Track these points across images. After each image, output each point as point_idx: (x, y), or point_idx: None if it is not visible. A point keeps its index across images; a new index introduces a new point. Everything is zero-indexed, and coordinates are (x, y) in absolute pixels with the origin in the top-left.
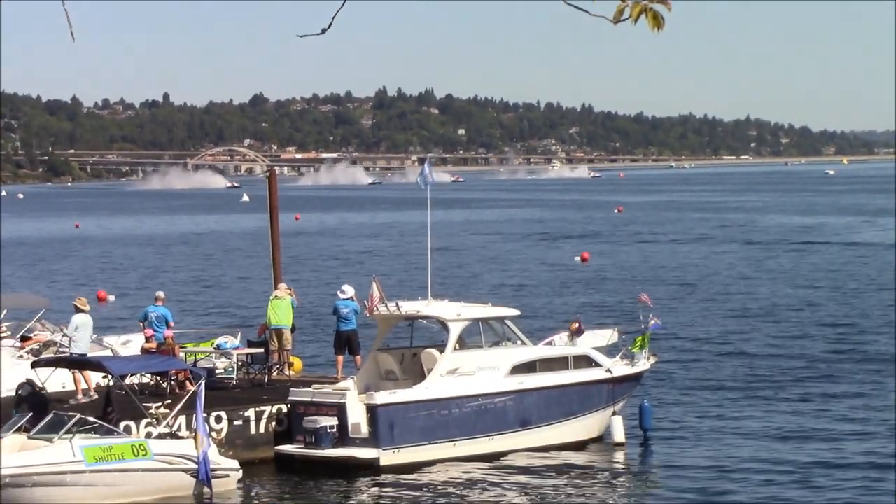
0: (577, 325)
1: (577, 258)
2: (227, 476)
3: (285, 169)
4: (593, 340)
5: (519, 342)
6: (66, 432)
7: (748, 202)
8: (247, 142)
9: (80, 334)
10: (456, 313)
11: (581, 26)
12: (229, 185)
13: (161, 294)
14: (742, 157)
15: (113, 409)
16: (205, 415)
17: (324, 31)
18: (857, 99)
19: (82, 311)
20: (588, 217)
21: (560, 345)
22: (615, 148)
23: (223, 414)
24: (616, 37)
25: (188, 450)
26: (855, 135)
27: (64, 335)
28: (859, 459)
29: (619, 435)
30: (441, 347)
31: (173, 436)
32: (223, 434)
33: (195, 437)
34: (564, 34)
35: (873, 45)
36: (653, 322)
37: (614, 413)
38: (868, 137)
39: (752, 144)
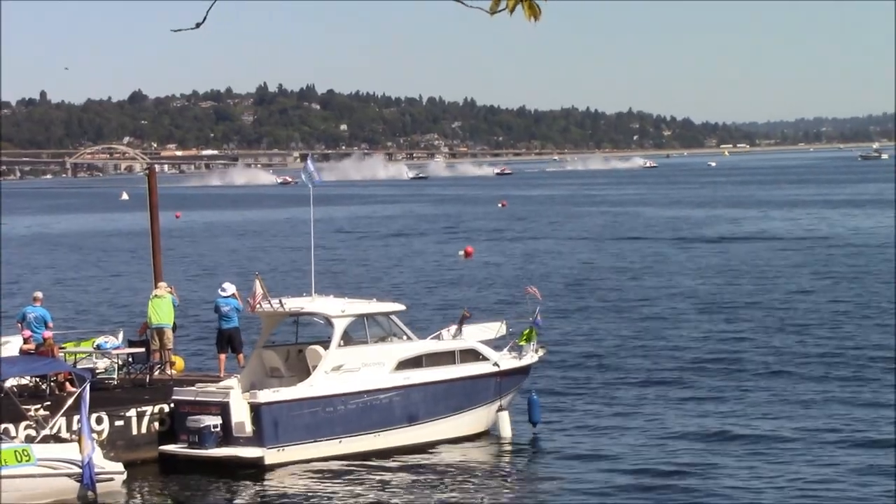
0: (467, 313)
1: (461, 253)
2: (112, 479)
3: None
4: (481, 334)
5: (405, 337)
6: None
7: (631, 195)
8: (126, 139)
9: None
10: (340, 309)
11: (460, 19)
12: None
13: (39, 294)
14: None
15: None
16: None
17: (198, 25)
18: (738, 91)
19: None
20: (473, 212)
21: (447, 339)
22: (498, 142)
23: (104, 415)
24: (496, 29)
25: (72, 454)
26: (736, 126)
27: None
28: (740, 451)
29: (505, 430)
30: (326, 344)
31: (56, 439)
32: (104, 435)
33: (80, 441)
34: (444, 28)
35: (752, 37)
36: (537, 317)
37: (500, 408)
38: (749, 129)
39: (635, 137)
